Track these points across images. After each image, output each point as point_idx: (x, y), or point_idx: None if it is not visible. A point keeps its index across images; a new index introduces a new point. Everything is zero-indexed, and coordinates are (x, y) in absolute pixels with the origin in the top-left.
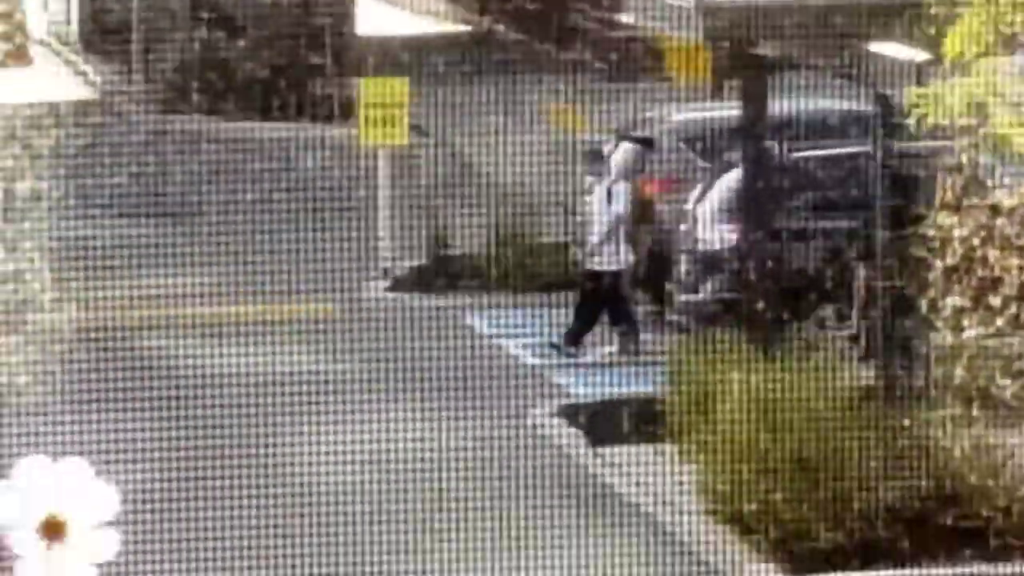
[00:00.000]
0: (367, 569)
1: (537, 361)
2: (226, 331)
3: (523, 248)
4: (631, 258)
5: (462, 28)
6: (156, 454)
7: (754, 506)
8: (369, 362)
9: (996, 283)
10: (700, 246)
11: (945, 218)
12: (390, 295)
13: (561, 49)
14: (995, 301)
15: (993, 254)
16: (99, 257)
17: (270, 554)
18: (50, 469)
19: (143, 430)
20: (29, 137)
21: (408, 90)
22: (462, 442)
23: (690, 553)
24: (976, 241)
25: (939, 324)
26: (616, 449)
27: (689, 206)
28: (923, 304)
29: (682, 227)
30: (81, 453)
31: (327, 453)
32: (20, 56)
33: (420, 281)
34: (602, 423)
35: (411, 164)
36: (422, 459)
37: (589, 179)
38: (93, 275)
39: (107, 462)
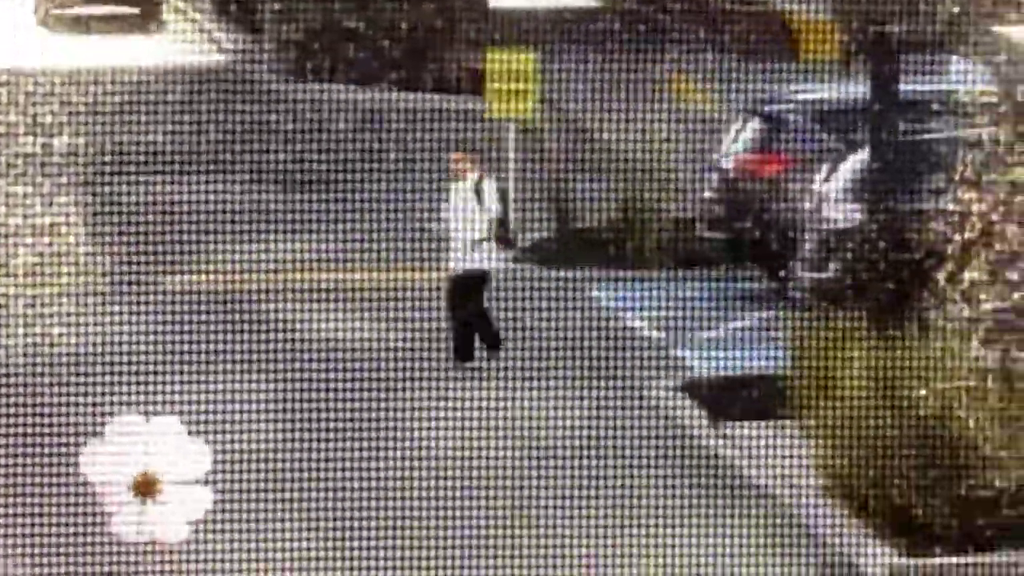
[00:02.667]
0: (488, 540)
1: (659, 335)
2: (349, 296)
3: (647, 222)
4: (499, 259)
5: (593, 2)
6: (275, 421)
7: (874, 486)
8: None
9: None
10: (826, 224)
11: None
12: (515, 266)
13: (692, 25)
14: None
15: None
16: (228, 222)
17: (381, 523)
18: (143, 427)
19: (271, 392)
20: (159, 100)
21: (536, 63)
22: (583, 415)
23: (809, 531)
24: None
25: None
26: (736, 425)
27: (815, 185)
28: None
29: (807, 205)
30: (216, 416)
31: (445, 421)
32: (153, 20)
33: (545, 253)
34: (723, 399)
35: (539, 136)
36: (543, 432)
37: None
38: (221, 240)
39: (233, 423)
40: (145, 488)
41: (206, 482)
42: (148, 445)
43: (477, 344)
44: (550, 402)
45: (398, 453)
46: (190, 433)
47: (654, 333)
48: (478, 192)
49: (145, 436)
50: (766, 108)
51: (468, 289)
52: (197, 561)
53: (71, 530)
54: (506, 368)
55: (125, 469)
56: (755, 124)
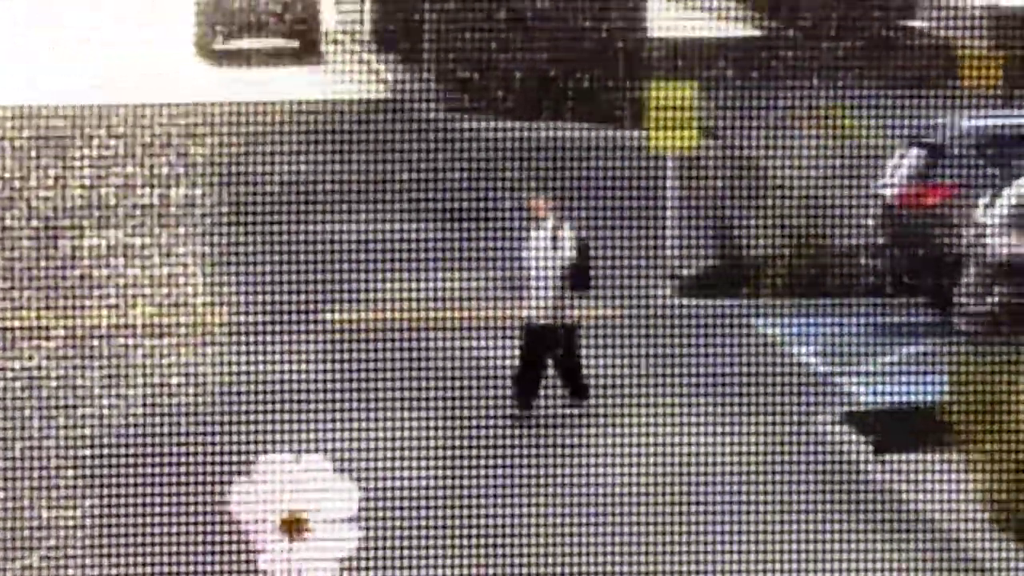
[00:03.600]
0: (650, 568)
1: (824, 367)
2: (502, 331)
3: (811, 252)
4: (574, 308)
5: (752, 32)
6: (424, 458)
7: None
8: (657, 365)
9: None
10: (989, 254)
11: None
12: (678, 299)
13: (851, 54)
14: None
15: None
16: (385, 254)
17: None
18: (292, 466)
19: (420, 428)
20: (319, 133)
21: (697, 94)
22: (748, 446)
23: (975, 563)
24: None
25: None
26: (901, 456)
27: (978, 214)
28: None
29: (969, 235)
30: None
31: (614, 455)
32: (312, 53)
33: (708, 285)
34: (888, 430)
35: (699, 167)
36: (708, 462)
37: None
38: (377, 273)
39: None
40: (293, 527)
41: (354, 521)
42: (296, 484)
43: (544, 391)
44: (714, 436)
45: (556, 489)
46: (338, 471)
47: (818, 363)
48: (555, 239)
49: (293, 475)
50: (927, 137)
51: (547, 340)
52: None
53: (221, 569)
54: (670, 400)
55: (273, 508)
56: (916, 153)
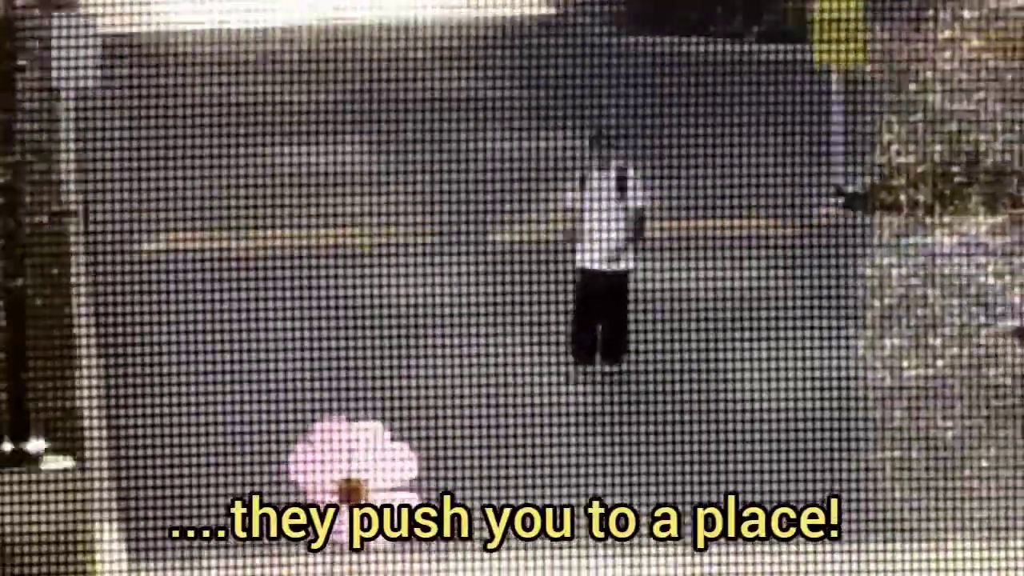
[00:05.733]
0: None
1: (993, 281)
2: (677, 245)
3: (972, 170)
4: (632, 259)
5: None
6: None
7: None
8: (819, 282)
9: None
10: None
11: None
12: (843, 213)
13: None
14: None
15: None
16: (538, 176)
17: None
18: (347, 431)
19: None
20: (487, 49)
21: (864, 8)
22: (905, 366)
23: None
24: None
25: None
26: None
27: None
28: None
29: None
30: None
31: (770, 372)
32: None
33: (871, 201)
34: None
35: (864, 84)
36: (867, 382)
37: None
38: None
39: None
40: (351, 494)
41: (412, 488)
42: (353, 450)
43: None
44: (877, 355)
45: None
46: (395, 438)
47: (987, 277)
48: (620, 183)
49: (350, 440)
50: None
51: (605, 291)
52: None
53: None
54: (836, 318)
55: (330, 475)
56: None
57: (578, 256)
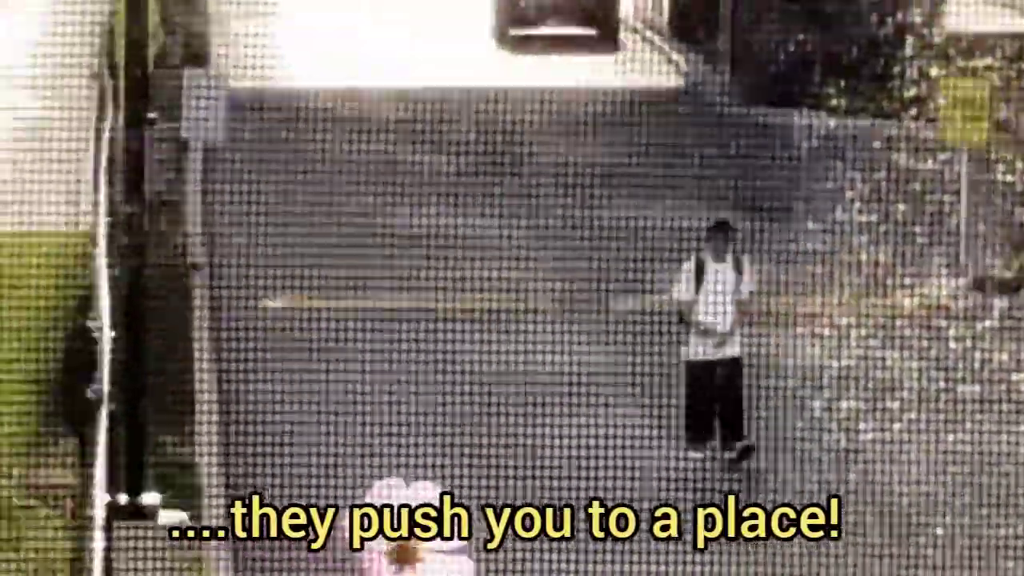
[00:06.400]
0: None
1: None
2: (799, 321)
3: None
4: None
5: None
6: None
7: None
8: (945, 361)
9: None
10: None
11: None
12: (970, 294)
13: None
14: None
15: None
16: (664, 246)
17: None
18: (403, 492)
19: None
20: (618, 123)
21: (992, 90)
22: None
23: None
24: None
25: None
26: None
27: None
28: None
29: None
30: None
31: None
32: (611, 41)
33: (1000, 282)
34: None
35: (994, 162)
36: (993, 459)
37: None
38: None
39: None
40: (405, 557)
41: (468, 552)
42: (408, 511)
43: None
44: (998, 435)
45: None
46: (452, 500)
47: None
48: (738, 265)
49: (406, 501)
50: None
51: (721, 379)
52: None
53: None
54: (958, 397)
55: (385, 536)
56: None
57: (690, 347)
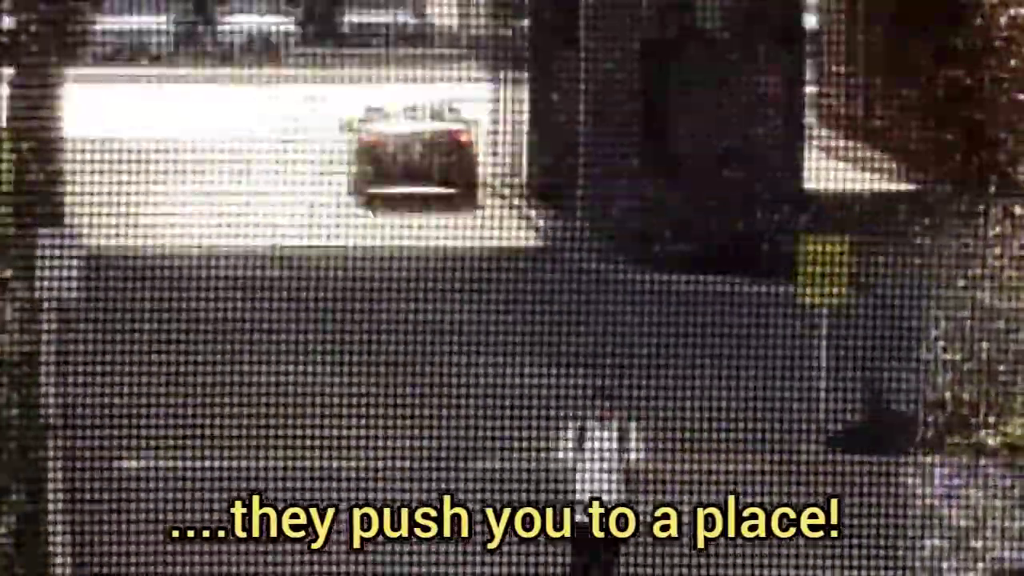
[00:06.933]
0: None
1: (971, 524)
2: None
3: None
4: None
5: (907, 186)
6: None
7: None
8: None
9: None
10: None
11: None
12: (830, 454)
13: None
14: None
15: None
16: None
17: None
18: None
19: None
20: (476, 279)
21: (849, 248)
22: None
23: None
24: None
25: None
26: None
27: None
28: None
29: None
30: None
31: None
32: (470, 201)
33: (856, 439)
34: None
35: (851, 320)
36: None
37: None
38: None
39: None
40: None
41: None
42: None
43: None
44: None
45: None
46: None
47: (966, 521)
48: (621, 434)
49: None
50: None
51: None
52: None
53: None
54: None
55: None
56: None
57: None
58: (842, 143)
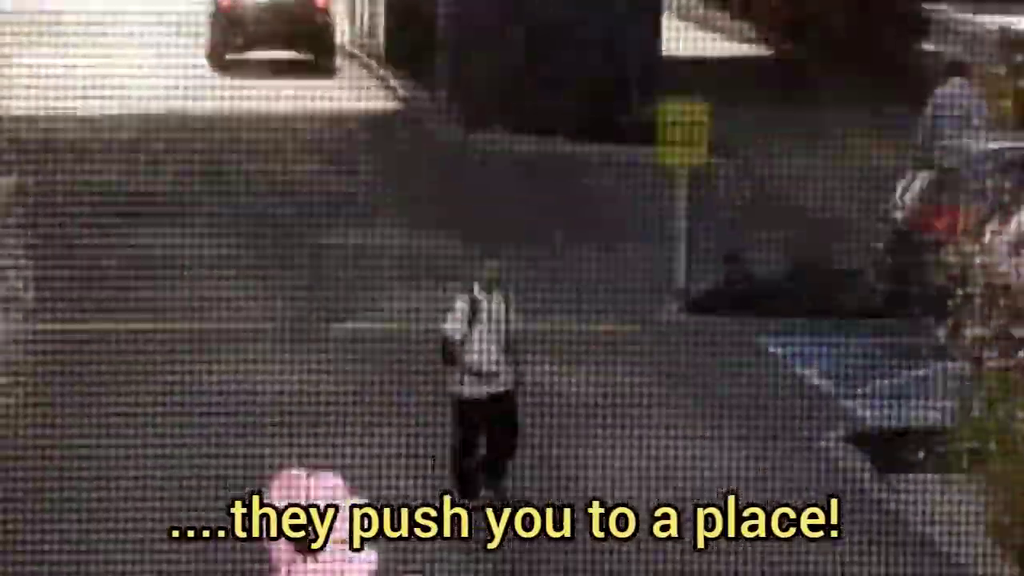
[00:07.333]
0: None
1: (828, 385)
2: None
3: (820, 273)
4: (513, 377)
5: (765, 51)
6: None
7: None
8: (662, 381)
9: None
10: (999, 277)
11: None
12: (685, 316)
13: (863, 74)
14: None
15: None
16: (380, 267)
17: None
18: (306, 484)
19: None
20: (334, 146)
21: (709, 112)
22: (750, 462)
23: None
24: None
25: None
26: (904, 477)
27: (986, 237)
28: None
29: (978, 259)
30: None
31: (620, 467)
32: (327, 66)
33: (714, 303)
34: (891, 451)
35: (710, 186)
36: (712, 477)
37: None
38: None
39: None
40: (309, 547)
41: (370, 541)
42: (311, 502)
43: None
44: (717, 451)
45: (565, 494)
46: (354, 490)
47: (823, 383)
48: (506, 302)
49: (308, 493)
50: (939, 160)
51: (494, 415)
52: None
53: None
54: (675, 415)
55: (288, 527)
56: (927, 176)
57: (461, 387)
58: (702, 10)
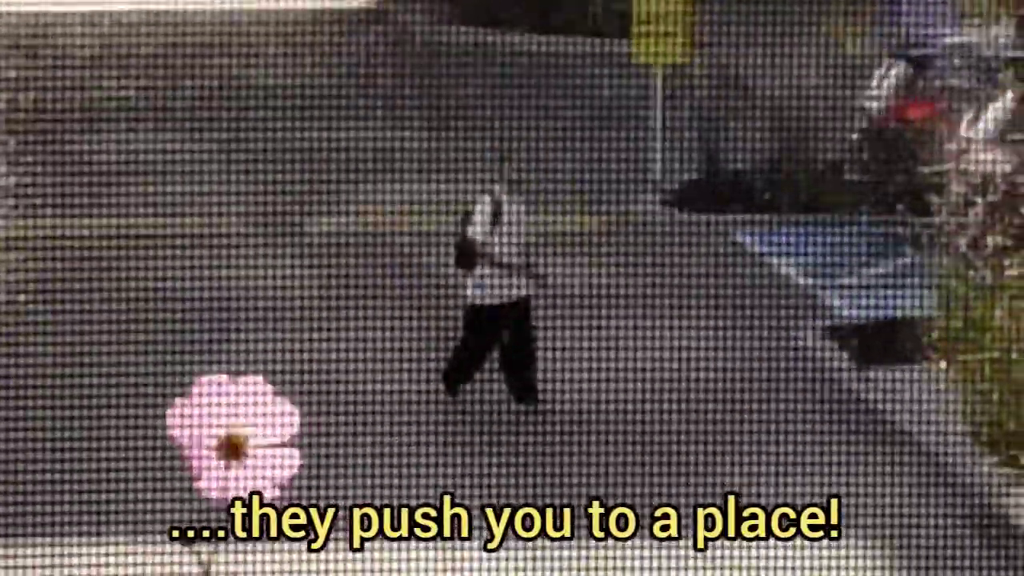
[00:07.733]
0: (627, 485)
1: (806, 280)
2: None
3: (796, 168)
4: (528, 285)
5: None
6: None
7: (1018, 432)
8: (638, 276)
9: None
10: (971, 169)
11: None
12: (661, 209)
13: None
14: None
15: None
16: (359, 161)
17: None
18: (229, 387)
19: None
20: (306, 42)
21: (687, 7)
22: (729, 359)
23: (954, 478)
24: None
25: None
26: (882, 370)
27: (961, 130)
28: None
29: (950, 148)
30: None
31: (594, 367)
32: None
33: (691, 197)
34: (869, 344)
35: (687, 81)
36: (688, 375)
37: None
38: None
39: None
40: (231, 450)
41: (294, 444)
42: (234, 406)
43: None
44: (693, 348)
45: (527, 409)
46: (278, 393)
47: (800, 277)
48: (517, 210)
49: (231, 396)
50: (915, 51)
51: (502, 322)
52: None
53: (155, 488)
54: (651, 311)
55: (210, 431)
56: (903, 68)
57: (480, 290)
58: None
